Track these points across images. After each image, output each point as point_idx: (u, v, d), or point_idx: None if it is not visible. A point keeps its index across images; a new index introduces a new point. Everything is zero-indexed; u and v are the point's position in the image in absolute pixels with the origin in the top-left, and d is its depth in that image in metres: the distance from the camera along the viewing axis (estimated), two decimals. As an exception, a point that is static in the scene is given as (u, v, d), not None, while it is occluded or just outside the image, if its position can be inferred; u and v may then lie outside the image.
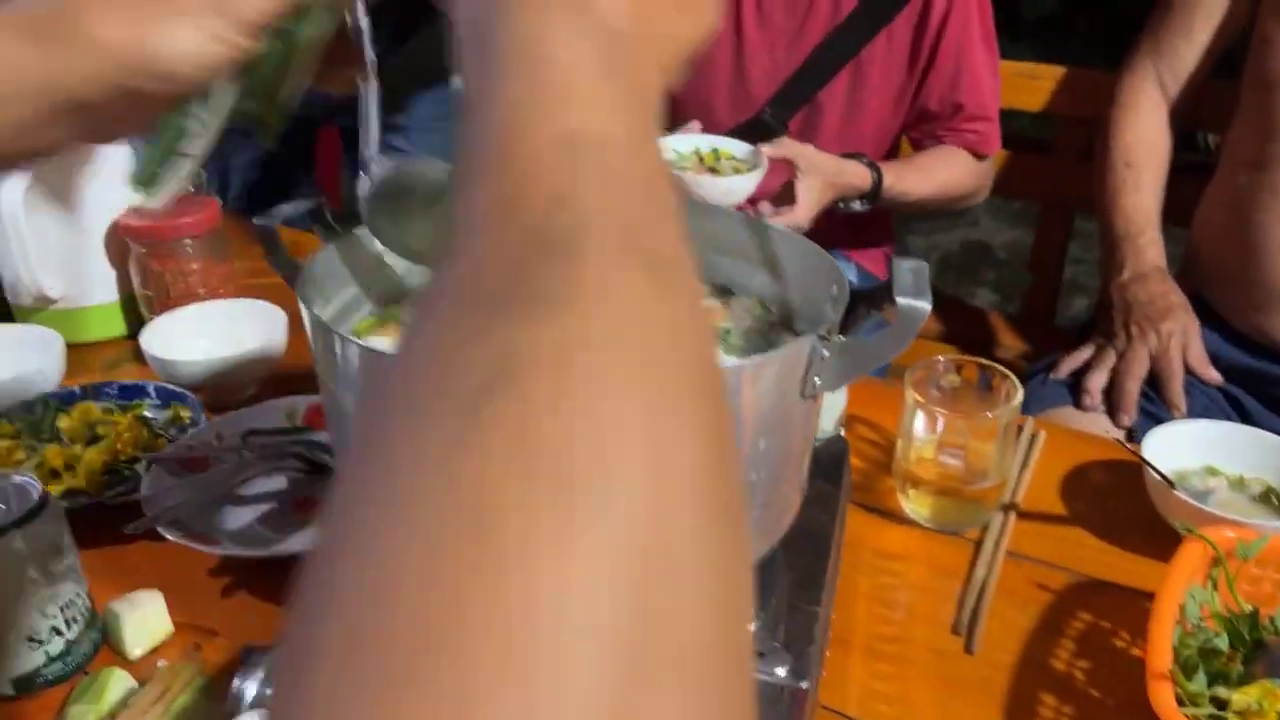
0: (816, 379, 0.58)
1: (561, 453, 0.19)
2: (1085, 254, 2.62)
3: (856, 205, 1.33)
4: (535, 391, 0.19)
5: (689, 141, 1.26)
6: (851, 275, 1.48)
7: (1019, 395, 0.81)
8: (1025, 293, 1.69)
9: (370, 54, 0.58)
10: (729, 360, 0.61)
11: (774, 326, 0.69)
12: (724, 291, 0.76)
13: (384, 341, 0.67)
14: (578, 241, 0.23)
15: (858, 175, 1.29)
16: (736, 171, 1.21)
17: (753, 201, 1.23)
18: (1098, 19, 4.20)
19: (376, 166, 0.60)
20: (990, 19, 1.37)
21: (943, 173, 1.40)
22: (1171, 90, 1.32)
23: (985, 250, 3.54)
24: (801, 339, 0.56)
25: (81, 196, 1.03)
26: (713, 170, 1.21)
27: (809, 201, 1.22)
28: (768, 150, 1.22)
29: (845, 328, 0.63)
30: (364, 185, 0.60)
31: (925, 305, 0.57)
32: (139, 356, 1.01)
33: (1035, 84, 1.54)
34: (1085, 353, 1.20)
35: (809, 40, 1.34)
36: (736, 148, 1.25)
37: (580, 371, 0.20)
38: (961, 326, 1.63)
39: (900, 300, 0.57)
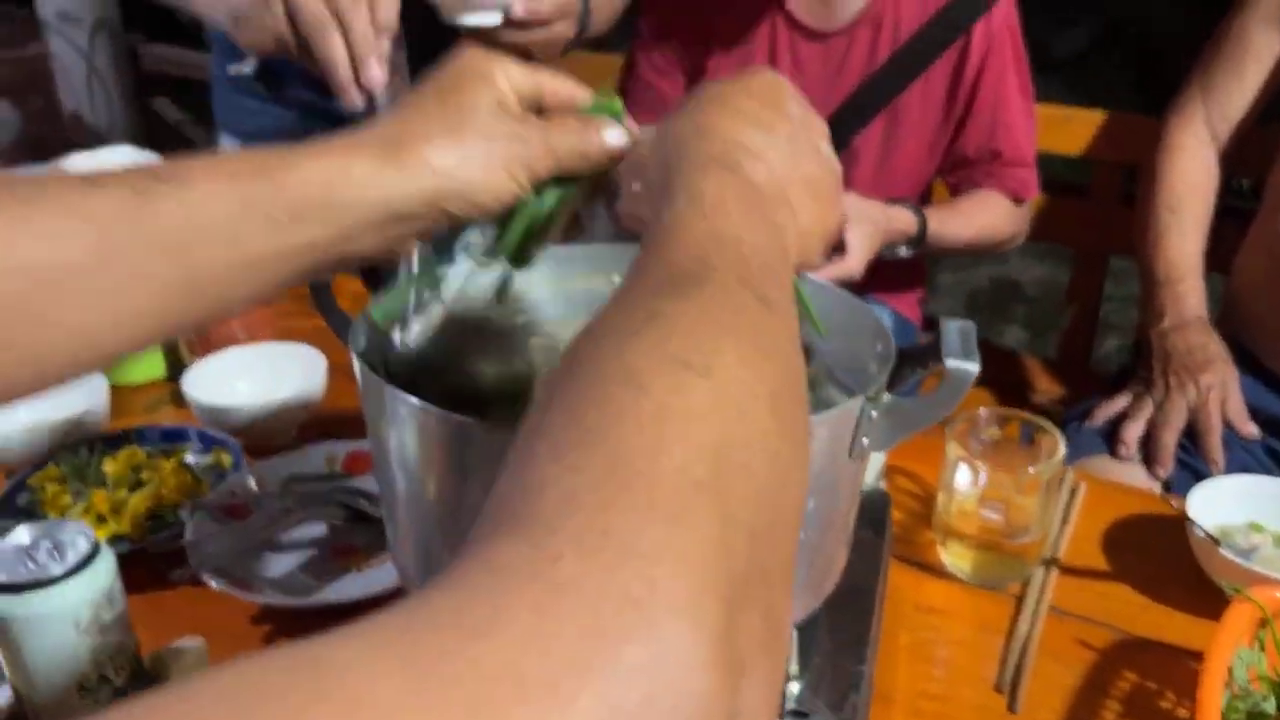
0: (865, 440, 0.58)
1: (691, 356, 0.30)
2: (1117, 290, 2.60)
3: (902, 251, 1.33)
4: (677, 326, 0.32)
5: None
6: (886, 319, 1.47)
7: (1061, 450, 0.81)
8: (1060, 337, 1.68)
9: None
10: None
11: (819, 380, 0.69)
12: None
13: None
14: (708, 275, 0.35)
15: (904, 221, 1.29)
16: None
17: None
18: (1129, 56, 4.20)
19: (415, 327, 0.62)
20: (1025, 66, 1.38)
21: (983, 217, 1.39)
22: (1220, 131, 1.31)
23: (1015, 288, 3.53)
24: (850, 400, 0.56)
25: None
26: None
27: (860, 249, 1.22)
28: None
29: (890, 385, 0.63)
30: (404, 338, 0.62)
31: (974, 367, 0.57)
32: (178, 398, 1.03)
33: (1070, 128, 1.54)
34: (1122, 401, 1.19)
35: (844, 87, 1.35)
36: None
37: (704, 325, 0.33)
38: (995, 370, 1.62)
39: (949, 362, 0.57)
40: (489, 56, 0.53)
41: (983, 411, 0.85)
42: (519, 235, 0.57)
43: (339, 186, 0.47)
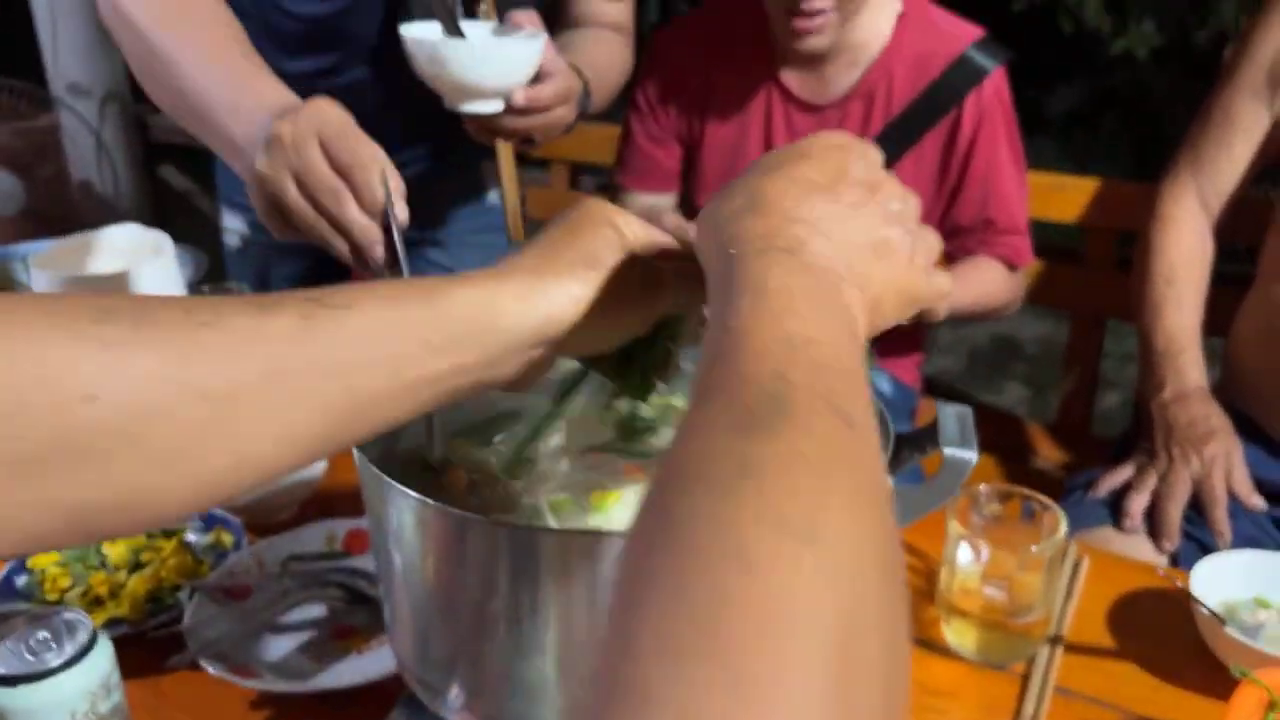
0: (863, 528, 0.58)
1: (792, 519, 0.29)
2: (1116, 347, 2.61)
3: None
4: (769, 478, 0.31)
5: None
6: (885, 385, 1.48)
7: (1063, 528, 0.81)
8: (1061, 398, 1.68)
9: None
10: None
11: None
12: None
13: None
14: (789, 397, 0.34)
15: None
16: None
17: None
18: (1121, 115, 4.27)
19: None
20: (1017, 136, 1.40)
21: (980, 284, 1.40)
22: (1212, 203, 1.32)
23: (1015, 345, 3.54)
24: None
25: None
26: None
27: None
28: None
29: (889, 468, 0.63)
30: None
31: (971, 455, 0.57)
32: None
33: (1064, 195, 1.56)
34: (1125, 472, 1.19)
35: (838, 157, 1.37)
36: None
37: (798, 473, 0.31)
38: (996, 435, 1.62)
39: (947, 451, 0.57)
40: (610, 207, 0.55)
41: (983, 488, 0.85)
42: (646, 372, 0.60)
43: (490, 313, 0.49)
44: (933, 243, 0.51)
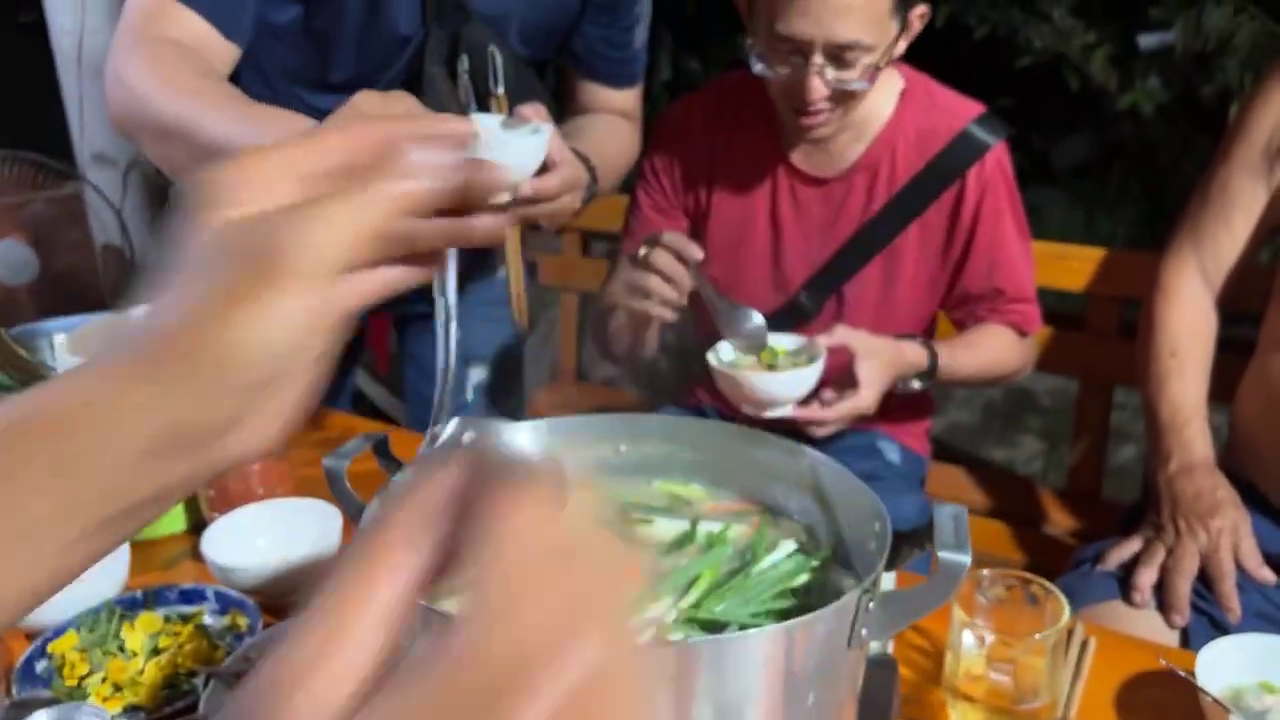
0: (863, 630, 0.59)
1: None
2: (1128, 400, 2.61)
3: (915, 385, 1.35)
4: None
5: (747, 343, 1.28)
6: (894, 455, 1.49)
7: (1065, 614, 0.81)
8: (1071, 466, 1.69)
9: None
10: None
11: (827, 562, 0.71)
12: (775, 513, 0.78)
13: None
14: None
15: (915, 355, 1.32)
16: (795, 366, 1.23)
17: (815, 391, 1.24)
18: (1129, 167, 4.29)
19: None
20: (1020, 208, 1.42)
21: (992, 350, 1.42)
22: (1214, 277, 1.33)
23: (1028, 397, 3.53)
24: (848, 595, 0.58)
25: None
26: (771, 368, 1.24)
27: (871, 384, 1.24)
28: (824, 340, 1.24)
29: (890, 564, 0.64)
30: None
31: (965, 559, 0.59)
32: (197, 552, 1.05)
33: (1067, 264, 1.58)
34: (1134, 545, 1.19)
35: (843, 229, 1.40)
36: (788, 341, 1.28)
37: None
38: (1008, 500, 1.63)
39: (942, 555, 0.59)
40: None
41: (986, 573, 0.86)
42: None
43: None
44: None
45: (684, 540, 0.71)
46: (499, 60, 1.17)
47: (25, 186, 2.30)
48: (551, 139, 1.02)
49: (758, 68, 1.25)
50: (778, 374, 1.22)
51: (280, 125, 0.90)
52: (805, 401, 1.25)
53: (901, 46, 1.27)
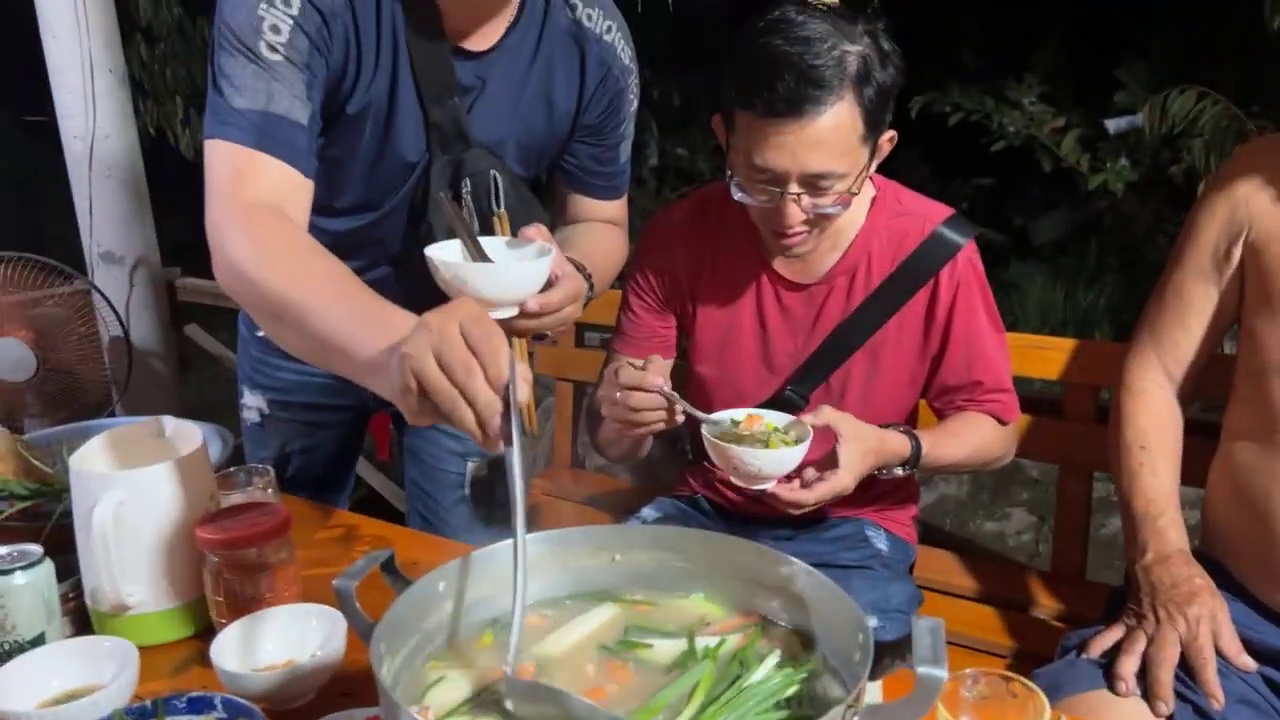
0: (847, 742, 0.63)
1: None
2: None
3: (899, 471, 1.40)
4: None
5: (726, 415, 1.34)
6: (882, 544, 1.53)
7: (1046, 712, 0.85)
8: (1054, 550, 1.72)
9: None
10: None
11: (817, 671, 0.74)
12: (767, 622, 0.82)
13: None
14: None
15: (897, 443, 1.37)
16: (783, 444, 1.28)
17: (798, 471, 1.29)
18: (1106, 242, 4.42)
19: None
20: (992, 302, 1.49)
21: (974, 438, 1.47)
22: (1175, 374, 1.38)
23: (1016, 470, 3.58)
24: (834, 710, 0.62)
25: (169, 507, 1.12)
26: (764, 444, 1.29)
27: (851, 466, 1.29)
28: (810, 419, 1.29)
29: (874, 673, 0.68)
30: None
31: (942, 673, 0.63)
32: (205, 657, 1.07)
33: (1043, 354, 1.64)
34: (1116, 633, 1.22)
35: (826, 327, 1.46)
36: (776, 418, 1.33)
37: None
38: (995, 585, 1.66)
39: (920, 670, 0.63)
40: None
41: (969, 672, 0.89)
42: None
43: None
44: None
45: (684, 659, 0.75)
46: (500, 182, 1.25)
47: (33, 285, 2.37)
48: (554, 259, 1.08)
49: (737, 195, 1.33)
50: (766, 451, 1.26)
51: (393, 325, 0.91)
52: (790, 478, 1.30)
53: (872, 169, 1.35)
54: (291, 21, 1.13)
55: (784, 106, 1.23)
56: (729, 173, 1.34)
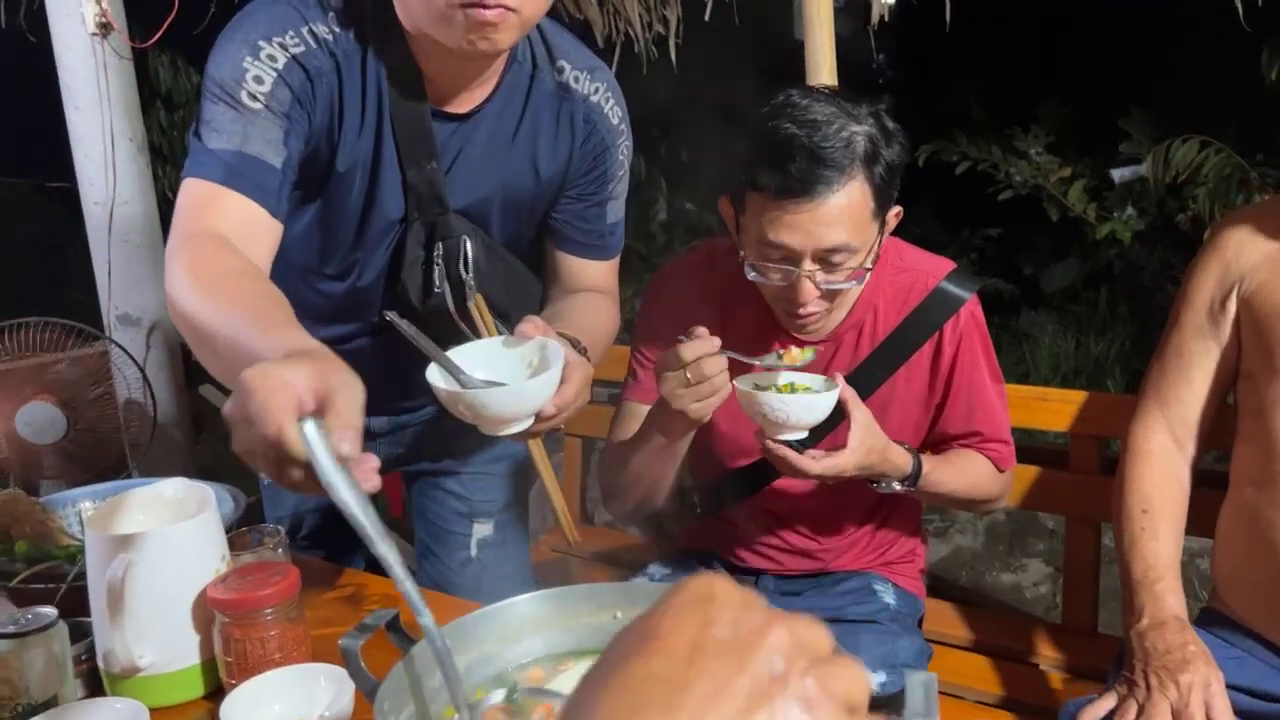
0: (841, 798, 0.63)
1: None
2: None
3: (897, 486, 1.42)
4: None
5: (766, 378, 1.35)
6: (890, 598, 1.53)
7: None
8: (1064, 602, 1.72)
9: None
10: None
11: None
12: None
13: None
14: None
15: (900, 457, 1.39)
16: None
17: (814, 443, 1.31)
18: (1115, 290, 4.43)
19: None
20: (993, 355, 1.51)
21: (971, 473, 1.49)
22: (1182, 434, 1.39)
23: (1032, 520, 3.55)
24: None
25: (180, 569, 1.14)
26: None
27: (856, 451, 1.31)
28: (843, 392, 1.31)
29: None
30: None
31: (934, 726, 0.63)
32: (216, 718, 1.08)
33: (1048, 405, 1.65)
34: (1109, 702, 1.20)
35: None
36: (812, 380, 1.34)
37: None
38: (1004, 637, 1.65)
39: (911, 724, 0.63)
40: None
41: (970, 727, 0.89)
42: None
43: None
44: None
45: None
46: (469, 248, 1.26)
47: (54, 348, 2.42)
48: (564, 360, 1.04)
49: (751, 276, 1.36)
50: (794, 396, 1.28)
51: (285, 337, 0.91)
52: (805, 445, 1.31)
53: (881, 243, 1.38)
54: (275, 74, 1.16)
55: (797, 187, 1.26)
56: (741, 254, 1.37)
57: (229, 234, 1.12)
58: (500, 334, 1.20)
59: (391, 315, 1.05)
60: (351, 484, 0.75)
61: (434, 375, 1.04)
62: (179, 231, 1.13)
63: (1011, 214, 4.31)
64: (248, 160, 1.14)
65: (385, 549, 0.72)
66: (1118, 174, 3.75)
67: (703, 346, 1.24)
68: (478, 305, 1.21)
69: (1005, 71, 4.85)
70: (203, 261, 1.08)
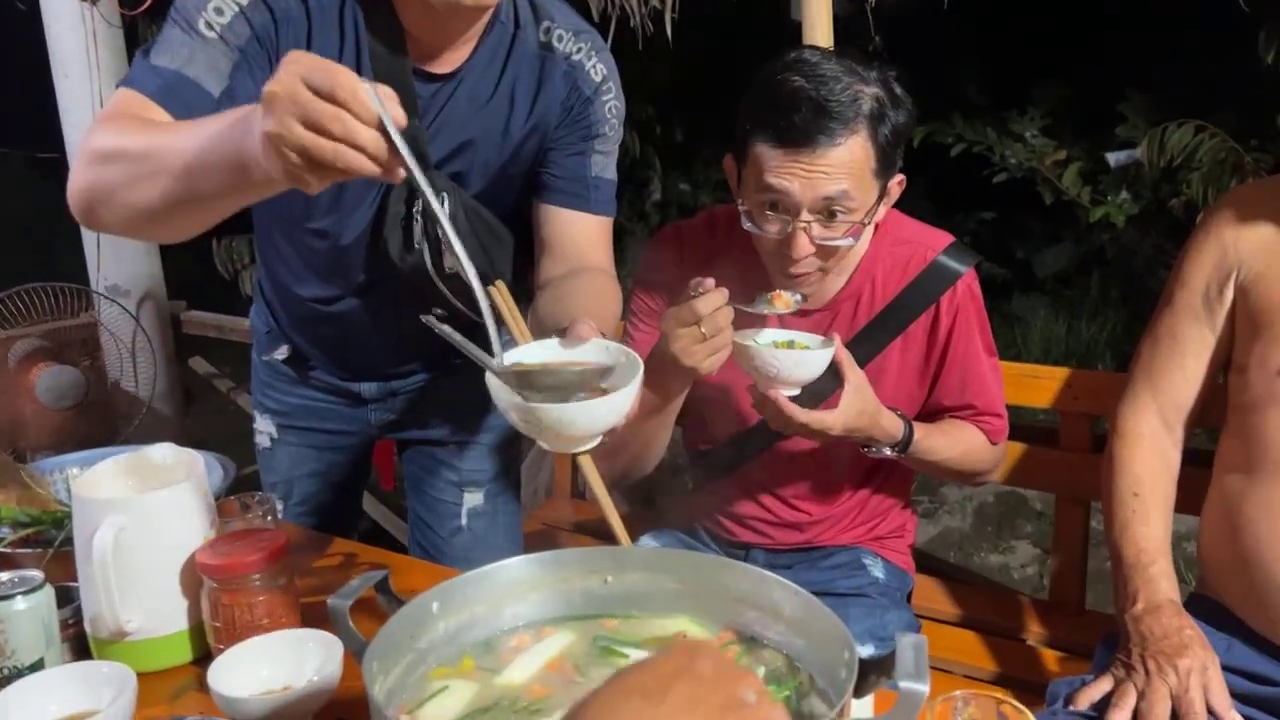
0: (831, 759, 0.63)
1: None
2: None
3: (888, 451, 1.42)
4: None
5: (765, 335, 1.35)
6: (879, 572, 1.53)
7: (1036, 735, 0.85)
8: (1052, 579, 1.72)
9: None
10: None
11: (803, 689, 0.75)
12: (754, 641, 0.82)
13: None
14: None
15: (891, 423, 1.40)
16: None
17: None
18: (1108, 275, 4.43)
19: None
20: (988, 329, 1.51)
21: (963, 443, 1.49)
22: (1172, 417, 1.37)
23: (1021, 502, 3.57)
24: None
25: (169, 534, 1.13)
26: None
27: (845, 412, 1.32)
28: (838, 353, 1.31)
29: (859, 690, 0.69)
30: None
31: (923, 687, 0.64)
32: (203, 683, 1.08)
33: (1038, 383, 1.65)
34: (1105, 685, 1.19)
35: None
36: (810, 340, 1.34)
37: None
38: (992, 613, 1.66)
39: (902, 684, 0.63)
40: None
41: (960, 694, 0.89)
42: None
43: None
44: None
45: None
46: (446, 202, 1.25)
47: (58, 314, 2.41)
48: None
49: (747, 225, 1.35)
50: (787, 352, 1.28)
51: (249, 115, 0.89)
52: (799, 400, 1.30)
53: (881, 211, 1.37)
54: (237, 9, 1.15)
55: (799, 136, 1.26)
56: (739, 203, 1.36)
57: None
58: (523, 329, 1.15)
59: (429, 319, 1.02)
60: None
61: (498, 393, 0.96)
62: (96, 120, 1.12)
63: (1005, 197, 4.31)
64: (185, 81, 1.12)
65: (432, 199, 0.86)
66: (1113, 158, 3.75)
67: (717, 299, 1.23)
68: (500, 293, 1.14)
69: (1002, 54, 4.83)
70: (129, 123, 1.07)
